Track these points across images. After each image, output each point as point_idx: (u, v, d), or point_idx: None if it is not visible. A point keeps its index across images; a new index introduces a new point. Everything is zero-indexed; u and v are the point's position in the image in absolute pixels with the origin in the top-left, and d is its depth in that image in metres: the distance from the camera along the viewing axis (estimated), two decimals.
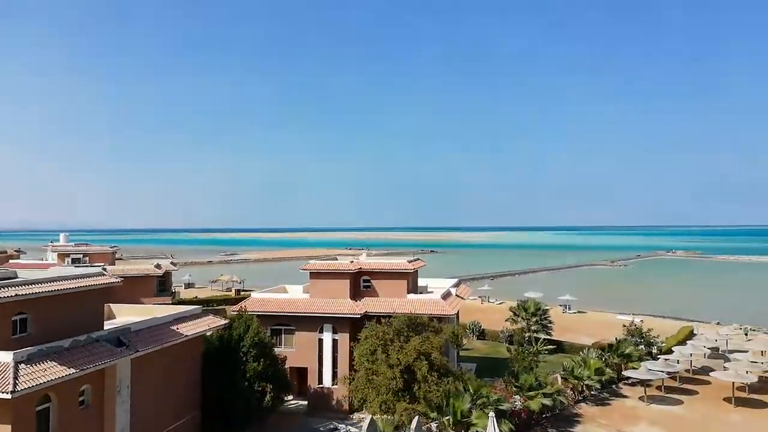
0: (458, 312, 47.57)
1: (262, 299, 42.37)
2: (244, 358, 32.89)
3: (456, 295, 47.63)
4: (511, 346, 48.93)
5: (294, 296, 43.39)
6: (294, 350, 40.53)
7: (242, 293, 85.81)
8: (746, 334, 64.94)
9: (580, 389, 41.89)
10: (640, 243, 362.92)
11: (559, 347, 56.75)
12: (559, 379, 41.41)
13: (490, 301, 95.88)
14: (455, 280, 54.30)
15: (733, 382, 41.97)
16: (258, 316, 37.51)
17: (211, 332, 33.28)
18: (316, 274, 41.89)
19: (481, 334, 64.51)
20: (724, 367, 47.16)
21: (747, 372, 43.92)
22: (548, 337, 56.05)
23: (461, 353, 53.83)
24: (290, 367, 39.29)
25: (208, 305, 76.77)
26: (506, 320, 59.56)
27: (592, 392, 43.02)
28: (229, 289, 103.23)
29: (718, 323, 76.72)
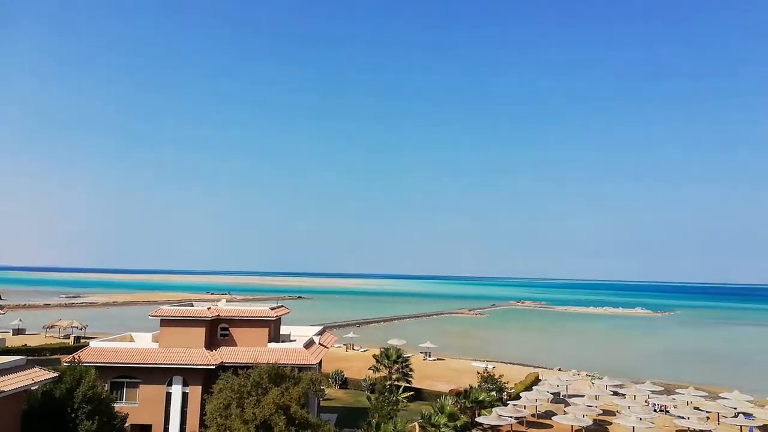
0: (321, 361, 46.67)
1: (102, 348, 38.19)
2: (75, 416, 28.99)
3: (320, 343, 46.80)
4: (372, 394, 48.69)
5: (140, 345, 39.66)
6: (138, 405, 36.75)
7: (82, 341, 77.05)
8: (593, 381, 70.32)
9: None
10: (495, 293, 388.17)
11: (419, 394, 57.65)
12: (417, 427, 41.81)
13: (355, 348, 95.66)
14: (319, 328, 53.47)
15: (572, 426, 45.36)
16: (97, 367, 33.61)
17: (36, 387, 29.01)
18: (167, 321, 38.83)
19: (344, 383, 63.68)
20: (564, 411, 50.88)
21: (584, 416, 47.78)
22: (408, 384, 56.83)
23: (323, 403, 52.56)
24: (132, 425, 35.44)
25: (40, 354, 67.77)
26: (369, 368, 59.51)
27: None
28: (67, 336, 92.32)
29: (559, 369, 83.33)
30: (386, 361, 57.59)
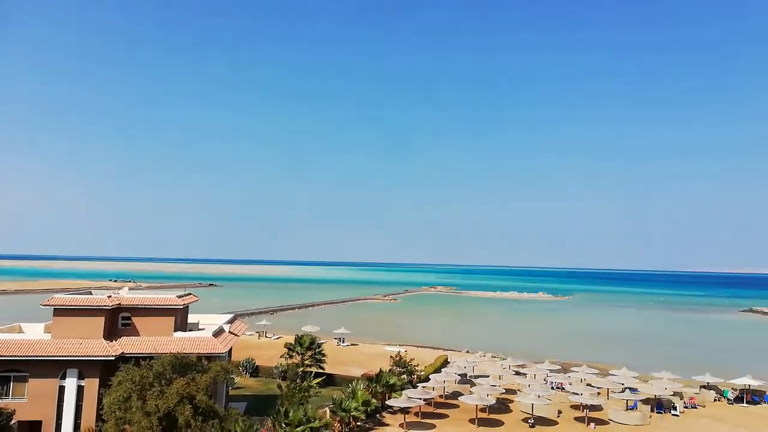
0: (231, 349, 45.63)
1: None
2: None
3: (230, 331, 45.69)
4: (283, 382, 48.38)
5: (30, 337, 36.81)
6: (26, 401, 34.18)
7: None
8: (502, 361, 73.74)
9: (347, 421, 43.04)
10: (410, 279, 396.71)
11: (331, 380, 57.94)
12: (328, 412, 42.06)
13: (268, 336, 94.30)
14: (230, 316, 52.19)
15: (477, 405, 47.47)
16: None
17: None
18: (61, 311, 36.30)
19: (255, 371, 62.70)
20: (470, 391, 53.08)
21: (488, 395, 50.12)
22: (321, 370, 56.96)
23: (232, 392, 51.48)
24: (19, 422, 33.00)
25: None
26: (281, 356, 58.95)
27: (359, 423, 44.56)
28: None
29: (467, 351, 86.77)
30: (299, 348, 57.26)
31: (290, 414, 36.34)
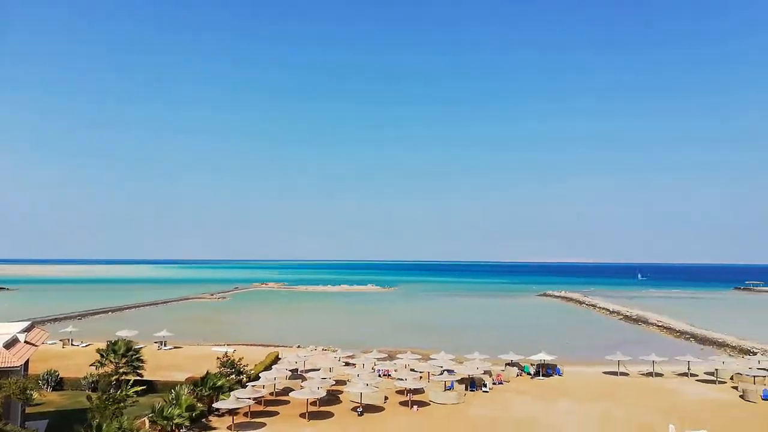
0: (28, 361, 39.98)
1: None
2: None
3: (26, 341, 40.00)
4: (94, 393, 43.65)
5: None
6: None
7: None
8: (333, 353, 74.87)
9: (169, 429, 40.35)
10: (241, 276, 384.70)
11: (152, 387, 53.80)
12: (147, 422, 39.02)
13: (75, 344, 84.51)
14: (27, 324, 45.62)
15: (307, 399, 47.75)
16: None
17: None
18: None
19: (59, 384, 55.74)
20: (301, 386, 53.24)
21: (318, 388, 50.69)
22: (140, 377, 52.64)
23: (30, 410, 45.13)
24: None
25: None
26: (91, 365, 53.25)
27: (182, 430, 42.08)
28: None
29: (298, 346, 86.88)
30: (112, 355, 52.21)
31: (103, 428, 32.97)
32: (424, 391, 55.16)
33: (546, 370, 66.52)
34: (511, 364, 68.22)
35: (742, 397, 55.51)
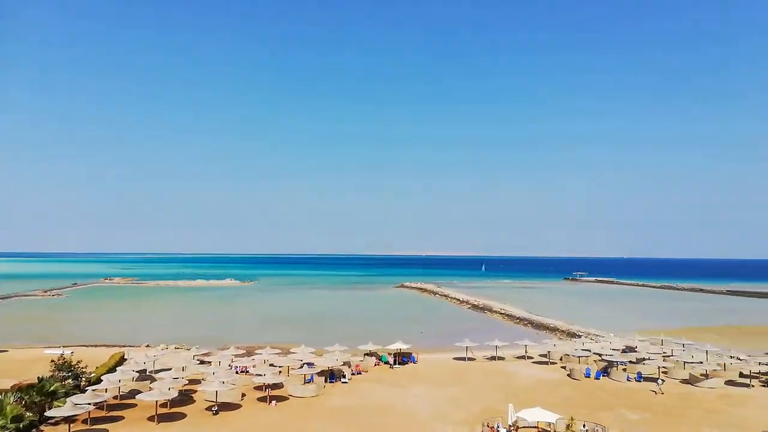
0: None
1: None
2: None
3: None
4: None
5: None
6: None
7: None
8: (186, 352, 70.86)
9: None
10: (81, 271, 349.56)
11: None
12: None
13: None
14: None
15: (156, 401, 44.84)
16: None
17: None
18: None
19: None
20: (150, 387, 49.86)
21: (169, 389, 47.84)
22: None
23: None
24: None
25: None
26: None
27: None
28: None
29: (147, 345, 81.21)
30: None
31: None
32: (283, 386, 54.64)
33: (402, 358, 69.38)
34: (370, 354, 70.11)
35: (569, 375, 62.64)
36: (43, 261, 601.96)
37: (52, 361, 52.70)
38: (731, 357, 71.31)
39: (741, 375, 61.95)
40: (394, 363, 68.17)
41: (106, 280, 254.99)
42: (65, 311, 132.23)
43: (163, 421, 44.14)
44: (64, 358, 52.88)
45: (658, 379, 58.25)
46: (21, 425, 38.90)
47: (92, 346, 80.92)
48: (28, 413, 40.35)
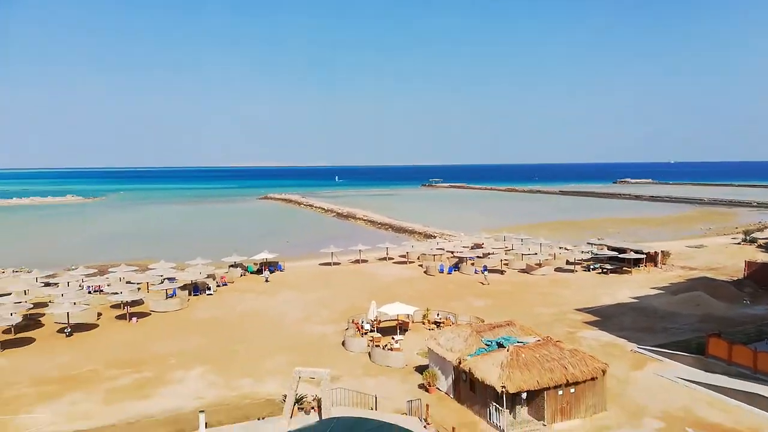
0: None
1: None
2: None
3: None
4: None
5: None
6: None
7: None
8: (27, 274, 64.66)
9: None
10: None
11: None
12: None
13: None
14: None
15: None
16: None
17: None
18: None
19: None
20: None
21: (12, 314, 43.94)
22: None
23: None
24: None
25: None
26: None
27: None
28: None
29: None
30: None
31: None
32: (143, 302, 52.79)
33: (269, 267, 69.90)
34: (234, 265, 69.59)
35: (425, 272, 67.95)
36: None
37: None
38: (560, 248, 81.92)
39: (567, 262, 71.70)
40: (260, 272, 68.39)
41: None
42: None
43: (10, 347, 40.86)
44: None
45: (484, 270, 65.07)
46: None
47: None
48: None
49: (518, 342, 29.77)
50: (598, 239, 77.92)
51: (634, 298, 53.11)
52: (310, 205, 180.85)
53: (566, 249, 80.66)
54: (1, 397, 31.81)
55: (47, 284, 60.52)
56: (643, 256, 66.45)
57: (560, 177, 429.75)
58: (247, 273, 68.72)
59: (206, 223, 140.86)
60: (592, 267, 67.99)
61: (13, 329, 43.87)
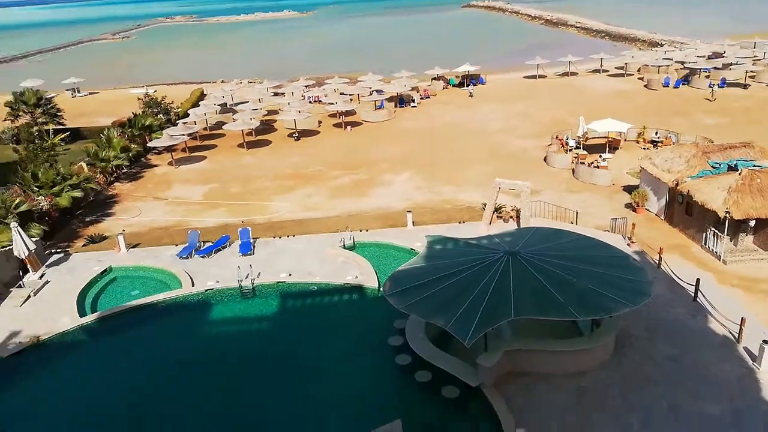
0: None
1: None
2: None
3: None
4: (19, 145, 42.21)
5: None
6: None
7: None
8: (259, 85, 73.64)
9: (110, 171, 40.82)
10: (138, 12, 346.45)
11: (78, 134, 52.45)
12: (85, 166, 39.05)
13: None
14: None
15: (242, 130, 48.33)
16: None
17: None
18: None
19: None
20: (233, 118, 53.20)
21: (251, 119, 50.95)
22: (62, 126, 50.90)
23: None
24: None
25: None
26: (5, 120, 50.51)
27: (123, 171, 42.77)
28: None
29: (222, 81, 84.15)
30: (24, 106, 49.23)
31: (39, 176, 32.83)
32: (355, 113, 56.69)
33: (470, 80, 68.69)
34: (437, 78, 69.66)
35: (646, 86, 60.57)
36: (82, 5, 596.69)
37: (139, 98, 56.17)
38: None
39: None
40: (462, 85, 67.63)
41: (168, 19, 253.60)
42: (138, 53, 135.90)
43: (252, 147, 48.20)
44: (149, 96, 56.21)
45: (722, 85, 55.11)
46: (130, 155, 43.84)
47: (171, 84, 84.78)
48: (133, 145, 45.02)
49: (755, 166, 25.95)
50: None
51: None
52: (516, 12, 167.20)
53: None
54: (253, 187, 38.55)
55: (276, 94, 68.04)
56: None
57: None
58: (449, 86, 68.60)
59: (409, 34, 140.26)
60: None
61: (254, 132, 51.25)
